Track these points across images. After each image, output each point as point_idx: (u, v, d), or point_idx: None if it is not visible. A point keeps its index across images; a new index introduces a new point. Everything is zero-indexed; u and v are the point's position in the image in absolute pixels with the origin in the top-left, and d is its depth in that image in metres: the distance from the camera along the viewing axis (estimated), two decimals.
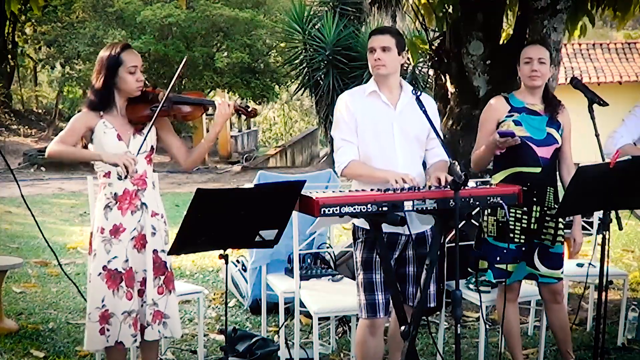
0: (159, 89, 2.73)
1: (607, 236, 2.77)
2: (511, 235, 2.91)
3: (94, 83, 2.68)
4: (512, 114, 2.94)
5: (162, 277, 2.71)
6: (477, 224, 3.09)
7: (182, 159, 2.81)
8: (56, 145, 2.60)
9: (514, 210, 2.91)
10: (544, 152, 2.90)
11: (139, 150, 2.65)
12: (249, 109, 2.79)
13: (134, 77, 2.63)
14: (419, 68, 8.60)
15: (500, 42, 4.44)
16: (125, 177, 2.60)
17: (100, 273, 2.65)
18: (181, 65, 2.76)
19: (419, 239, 2.73)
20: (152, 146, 2.73)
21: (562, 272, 2.99)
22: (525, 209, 2.90)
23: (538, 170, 2.89)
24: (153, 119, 2.62)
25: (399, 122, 2.72)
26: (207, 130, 18.37)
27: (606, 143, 3.52)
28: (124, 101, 2.68)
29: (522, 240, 2.93)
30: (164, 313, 2.70)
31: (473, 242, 3.18)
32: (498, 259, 2.92)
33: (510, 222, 2.92)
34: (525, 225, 2.92)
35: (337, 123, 2.76)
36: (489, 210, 2.93)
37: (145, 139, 2.66)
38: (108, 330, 2.64)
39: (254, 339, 3.49)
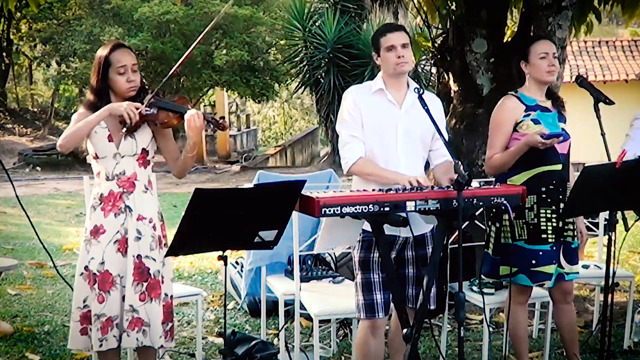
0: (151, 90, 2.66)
1: (613, 237, 2.73)
2: (544, 236, 2.87)
3: (91, 82, 2.66)
4: (529, 112, 2.89)
5: (145, 284, 2.61)
6: (484, 227, 3.03)
7: (172, 167, 2.75)
8: (64, 133, 2.58)
9: (544, 210, 2.86)
10: (562, 148, 2.87)
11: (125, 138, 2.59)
12: (220, 121, 2.66)
13: (123, 78, 2.59)
14: (422, 66, 8.58)
15: (505, 39, 4.38)
16: (126, 127, 2.53)
17: (82, 273, 2.61)
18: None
19: (418, 239, 2.69)
20: (143, 148, 2.66)
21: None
22: (554, 207, 2.86)
23: (559, 167, 2.86)
24: (139, 125, 2.57)
25: (404, 122, 2.68)
26: (206, 130, 18.37)
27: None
28: (120, 101, 2.63)
29: (553, 240, 2.88)
30: (144, 321, 2.60)
31: (478, 244, 3.12)
32: (534, 262, 2.86)
33: (542, 223, 2.86)
34: (555, 224, 2.87)
35: (343, 118, 2.71)
36: (514, 213, 2.87)
37: (135, 138, 2.60)
38: (92, 330, 2.58)
39: (253, 342, 3.44)
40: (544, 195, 2.84)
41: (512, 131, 2.87)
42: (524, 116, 2.87)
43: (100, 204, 2.61)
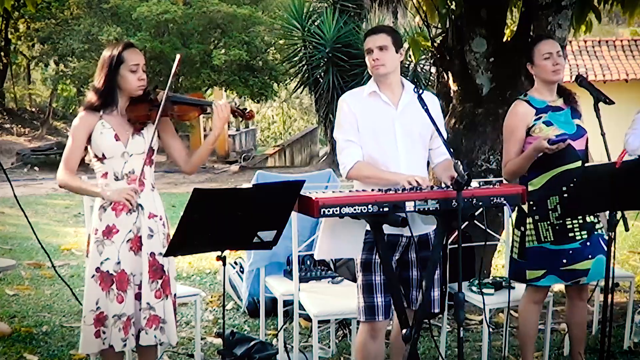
0: (160, 89, 2.71)
1: (613, 237, 2.72)
2: (572, 234, 2.86)
3: (95, 83, 2.66)
4: (540, 115, 2.88)
5: (160, 281, 2.64)
6: (484, 227, 3.02)
7: (182, 163, 2.76)
8: (63, 175, 2.62)
9: None
10: (579, 145, 2.87)
11: (151, 142, 2.62)
12: (247, 111, 2.75)
13: (135, 76, 2.61)
14: (421, 66, 8.55)
15: (504, 39, 4.37)
16: (131, 208, 2.60)
17: (93, 275, 2.61)
18: (176, 63, 2.70)
19: (422, 241, 2.67)
20: (151, 147, 2.67)
21: None
22: None
23: (578, 164, 2.85)
24: (157, 121, 2.60)
25: (401, 122, 2.67)
26: (205, 130, 18.09)
27: (628, 140, 3.45)
28: (125, 101, 2.66)
29: (584, 236, 2.87)
30: (161, 318, 2.63)
31: (478, 244, 3.09)
32: (565, 261, 2.86)
33: (568, 222, 2.85)
34: (582, 221, 2.87)
35: (339, 124, 2.71)
36: (537, 216, 2.87)
37: (153, 137, 2.62)
38: (104, 332, 2.60)
39: (252, 343, 3.43)
40: (565, 195, 2.82)
41: (525, 136, 2.87)
42: (535, 120, 2.86)
43: (111, 204, 2.61)
